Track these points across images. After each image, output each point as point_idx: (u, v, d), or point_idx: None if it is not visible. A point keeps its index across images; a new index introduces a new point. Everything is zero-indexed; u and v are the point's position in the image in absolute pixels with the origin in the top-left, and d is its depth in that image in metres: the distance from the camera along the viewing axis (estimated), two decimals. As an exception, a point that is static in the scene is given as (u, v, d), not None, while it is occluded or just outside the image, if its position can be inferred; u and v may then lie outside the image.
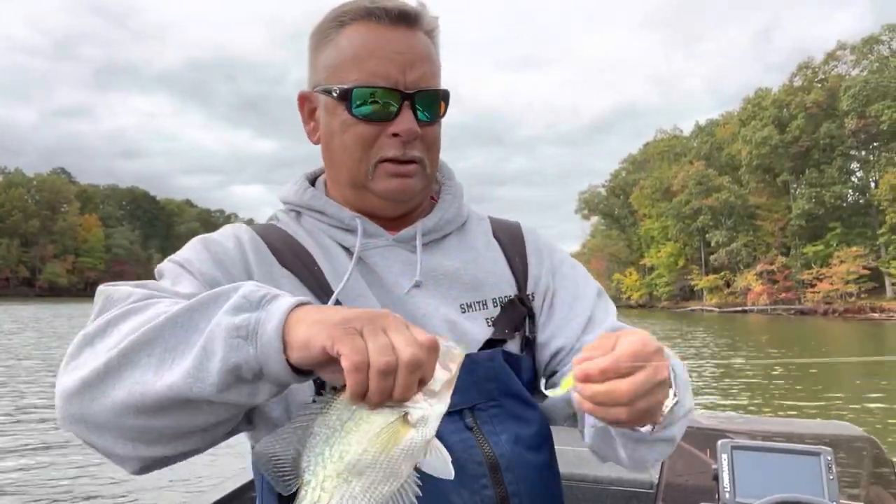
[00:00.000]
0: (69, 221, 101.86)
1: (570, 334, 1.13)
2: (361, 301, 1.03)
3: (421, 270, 1.07)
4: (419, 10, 1.06)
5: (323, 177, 1.20)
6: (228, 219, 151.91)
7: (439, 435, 0.91)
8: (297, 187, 1.17)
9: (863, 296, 54.01)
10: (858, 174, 62.68)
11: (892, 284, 52.58)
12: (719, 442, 1.49)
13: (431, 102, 1.06)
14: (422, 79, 1.04)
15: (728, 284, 69.34)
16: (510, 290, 1.14)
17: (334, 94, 1.04)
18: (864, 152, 61.17)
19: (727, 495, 1.42)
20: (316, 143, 1.14)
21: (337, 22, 1.06)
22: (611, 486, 2.37)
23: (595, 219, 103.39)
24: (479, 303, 1.10)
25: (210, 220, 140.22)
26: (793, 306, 58.99)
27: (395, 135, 1.03)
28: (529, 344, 1.14)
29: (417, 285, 1.07)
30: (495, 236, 1.22)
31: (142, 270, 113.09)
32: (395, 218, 1.13)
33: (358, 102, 1.03)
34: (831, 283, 54.81)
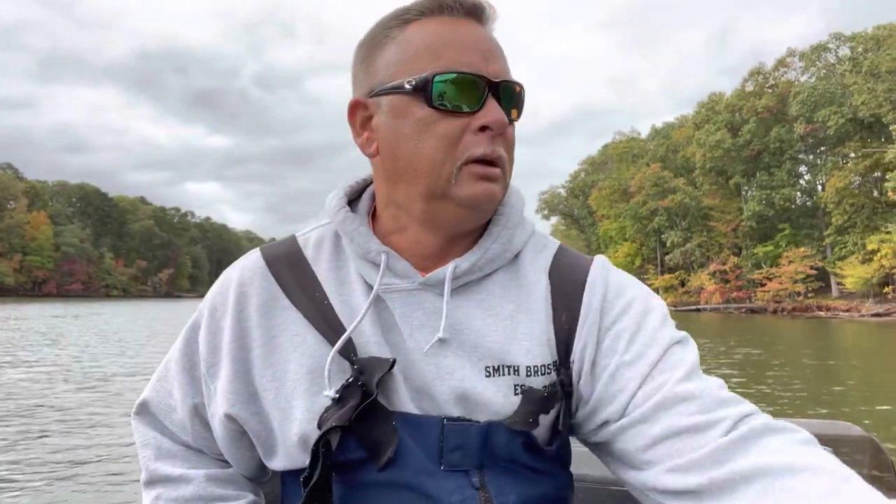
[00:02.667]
0: (16, 219, 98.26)
1: (619, 406, 0.88)
2: (374, 349, 0.90)
3: (446, 324, 0.89)
4: (491, 5, 0.95)
5: (371, 189, 1.04)
6: (184, 216, 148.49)
7: (437, 495, 0.83)
8: (334, 203, 1.02)
9: (810, 295, 55.86)
10: (807, 177, 64.83)
11: (838, 284, 54.42)
12: None
13: (515, 98, 0.93)
14: (504, 71, 0.92)
15: (683, 284, 70.93)
16: (548, 357, 0.92)
17: (407, 87, 0.89)
18: (811, 156, 63.28)
19: None
20: (372, 154, 0.96)
21: (400, 20, 0.94)
22: (611, 485, 2.19)
23: (555, 219, 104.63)
24: (509, 367, 0.90)
25: (165, 219, 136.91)
26: (744, 305, 60.67)
27: (482, 129, 0.89)
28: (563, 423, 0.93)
29: (441, 341, 0.90)
30: (550, 279, 0.98)
31: (93, 269, 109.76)
32: (448, 244, 0.96)
33: (439, 91, 0.88)
34: (780, 283, 56.53)
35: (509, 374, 0.90)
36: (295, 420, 0.88)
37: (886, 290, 47.46)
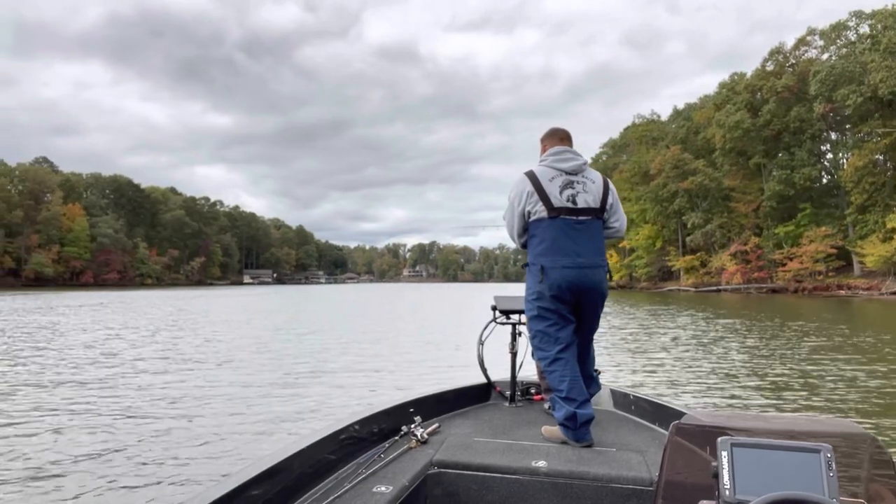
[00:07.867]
0: (53, 211, 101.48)
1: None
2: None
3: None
4: None
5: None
6: (213, 206, 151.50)
7: None
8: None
9: (831, 274, 55.83)
10: (828, 157, 64.39)
11: (860, 263, 54.22)
12: (719, 439, 1.48)
13: None
14: None
15: (703, 265, 71.19)
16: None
17: None
18: (833, 135, 62.81)
19: (727, 493, 1.41)
20: None
21: None
22: (611, 483, 2.38)
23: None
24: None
25: (195, 208, 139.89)
26: (764, 285, 60.87)
27: None
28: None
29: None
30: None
31: (128, 259, 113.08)
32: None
33: None
34: (801, 263, 56.58)
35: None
36: None
37: (906, 268, 47.50)
